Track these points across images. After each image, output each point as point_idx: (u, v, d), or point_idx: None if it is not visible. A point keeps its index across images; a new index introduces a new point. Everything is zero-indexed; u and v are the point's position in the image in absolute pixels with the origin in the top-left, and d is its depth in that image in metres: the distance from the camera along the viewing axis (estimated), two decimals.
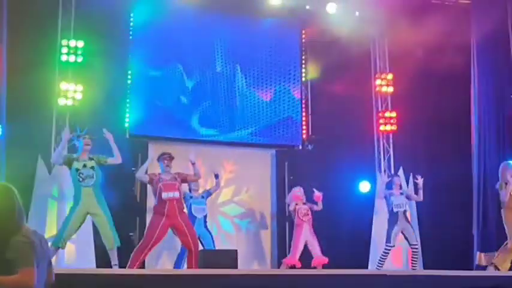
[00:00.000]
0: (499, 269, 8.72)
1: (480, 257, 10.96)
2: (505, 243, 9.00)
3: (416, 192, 10.32)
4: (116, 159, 8.17)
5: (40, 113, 9.81)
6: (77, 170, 7.90)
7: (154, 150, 10.25)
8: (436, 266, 9.75)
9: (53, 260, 8.19)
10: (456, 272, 7.80)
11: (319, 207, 10.06)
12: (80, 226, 8.05)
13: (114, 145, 8.16)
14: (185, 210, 8.91)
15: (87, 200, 7.88)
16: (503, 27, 11.52)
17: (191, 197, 9.42)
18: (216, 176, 9.64)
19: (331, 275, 7.32)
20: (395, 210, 9.92)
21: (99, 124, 9.04)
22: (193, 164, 8.52)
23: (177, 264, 9.25)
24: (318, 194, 10.02)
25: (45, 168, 9.58)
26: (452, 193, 11.42)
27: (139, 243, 8.17)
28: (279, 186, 11.36)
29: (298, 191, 10.09)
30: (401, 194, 10.12)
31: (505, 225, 8.92)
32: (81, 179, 7.88)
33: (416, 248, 10.14)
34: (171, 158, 8.44)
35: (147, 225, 8.28)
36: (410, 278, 7.90)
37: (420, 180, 10.07)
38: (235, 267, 7.76)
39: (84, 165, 7.94)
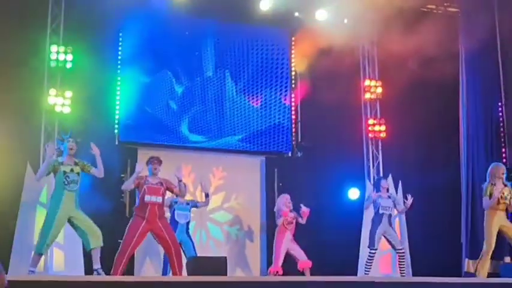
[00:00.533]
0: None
1: (469, 264, 11.01)
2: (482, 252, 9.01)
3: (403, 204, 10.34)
4: (99, 172, 8.03)
5: (29, 119, 9.78)
6: (65, 172, 7.81)
7: (143, 156, 10.25)
8: (425, 272, 9.77)
9: (41, 266, 8.19)
10: (445, 278, 7.81)
11: (303, 221, 10.02)
12: (61, 229, 7.96)
13: (99, 159, 8.02)
14: (167, 215, 8.89)
15: (68, 204, 7.76)
16: (492, 35, 11.61)
17: (176, 202, 9.39)
18: (207, 195, 9.66)
19: (319, 282, 7.32)
20: (381, 211, 9.90)
21: (88, 130, 9.03)
22: (179, 181, 8.42)
23: (165, 271, 9.22)
24: (305, 210, 9.95)
25: (33, 175, 9.49)
26: (441, 200, 11.48)
27: (120, 247, 8.12)
28: (269, 193, 11.36)
29: (285, 202, 10.02)
30: (389, 197, 10.12)
31: (484, 228, 8.90)
32: (66, 183, 7.76)
33: (403, 253, 10.12)
34: (159, 161, 8.40)
35: (127, 227, 8.20)
36: (399, 285, 7.92)
37: (410, 200, 10.06)
38: (225, 274, 7.75)
39: (72, 170, 7.86)
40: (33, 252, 7.93)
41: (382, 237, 9.97)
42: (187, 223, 9.45)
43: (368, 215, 10.48)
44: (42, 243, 7.74)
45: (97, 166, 8.03)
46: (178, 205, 9.38)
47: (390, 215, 10.00)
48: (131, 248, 8.07)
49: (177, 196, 9.00)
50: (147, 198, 8.10)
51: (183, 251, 9.19)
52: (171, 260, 8.27)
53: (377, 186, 10.26)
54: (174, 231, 9.06)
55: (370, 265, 9.93)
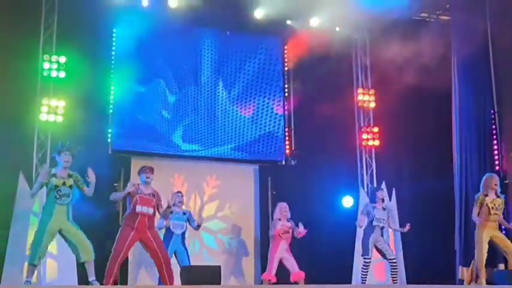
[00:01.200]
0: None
1: (463, 271, 11.00)
2: (473, 261, 8.99)
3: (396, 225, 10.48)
4: (89, 192, 7.99)
5: (22, 129, 9.75)
6: (56, 186, 7.71)
7: (136, 165, 10.23)
8: (419, 280, 9.77)
9: (34, 277, 8.14)
10: (439, 286, 7.81)
11: (296, 235, 9.98)
12: (52, 240, 7.86)
13: (93, 184, 7.98)
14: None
15: (59, 217, 7.66)
16: (484, 42, 11.65)
17: (171, 212, 9.33)
18: (199, 225, 9.59)
19: None
20: (374, 223, 9.87)
21: (81, 139, 9.00)
22: (168, 207, 8.47)
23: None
24: (301, 231, 9.86)
25: (26, 185, 9.50)
26: (435, 207, 11.47)
27: (110, 257, 8.09)
28: (262, 202, 11.35)
29: (281, 211, 10.00)
30: (384, 209, 10.08)
31: (475, 240, 8.88)
32: (58, 196, 7.67)
33: (395, 262, 10.06)
34: (152, 170, 8.39)
35: (117, 236, 8.18)
36: None
37: (407, 228, 10.06)
38: (219, 283, 7.73)
39: (64, 183, 7.77)
40: (26, 264, 7.88)
41: (374, 247, 9.96)
42: (183, 233, 9.40)
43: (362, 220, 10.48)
44: (34, 254, 7.66)
45: (88, 185, 7.94)
46: (174, 215, 9.27)
47: (383, 227, 9.98)
48: (121, 257, 8.05)
49: (173, 203, 9.07)
50: (138, 208, 8.08)
51: (178, 261, 9.17)
52: (161, 272, 8.23)
53: (372, 197, 10.24)
54: (169, 241, 9.06)
55: (366, 273, 9.90)
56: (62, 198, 7.70)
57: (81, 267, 8.37)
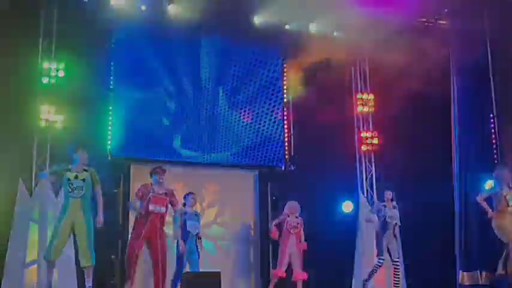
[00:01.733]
0: None
1: (463, 276, 11.00)
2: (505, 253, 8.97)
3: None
4: (99, 198, 7.99)
5: (21, 136, 9.74)
6: (68, 180, 7.81)
7: (136, 172, 10.27)
8: (419, 285, 9.76)
9: (34, 282, 8.14)
10: None
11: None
12: (69, 236, 7.88)
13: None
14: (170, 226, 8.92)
15: (74, 211, 7.74)
16: (482, 47, 11.66)
17: (185, 213, 9.38)
18: (199, 237, 9.64)
19: None
20: (388, 220, 9.88)
21: (81, 146, 8.99)
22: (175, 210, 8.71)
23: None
24: (303, 245, 10.01)
25: (26, 192, 9.51)
26: (434, 212, 11.47)
27: (127, 256, 8.31)
28: (262, 207, 11.35)
29: (293, 208, 10.07)
30: (394, 207, 10.10)
31: (499, 229, 8.86)
32: (70, 190, 7.76)
33: (398, 264, 10.08)
34: (163, 170, 8.59)
35: (130, 235, 8.32)
36: None
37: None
38: None
39: (76, 176, 7.83)
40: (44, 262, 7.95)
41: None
42: (197, 234, 9.48)
43: (362, 225, 10.48)
44: (48, 248, 7.77)
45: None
46: (189, 215, 9.41)
47: (396, 224, 9.97)
48: (136, 255, 8.12)
49: (184, 203, 9.37)
50: (151, 207, 8.20)
51: (189, 263, 9.26)
52: (155, 275, 8.27)
53: (381, 197, 10.28)
54: (186, 239, 9.18)
55: (375, 273, 9.89)
56: (75, 192, 7.77)
57: (80, 272, 8.37)
